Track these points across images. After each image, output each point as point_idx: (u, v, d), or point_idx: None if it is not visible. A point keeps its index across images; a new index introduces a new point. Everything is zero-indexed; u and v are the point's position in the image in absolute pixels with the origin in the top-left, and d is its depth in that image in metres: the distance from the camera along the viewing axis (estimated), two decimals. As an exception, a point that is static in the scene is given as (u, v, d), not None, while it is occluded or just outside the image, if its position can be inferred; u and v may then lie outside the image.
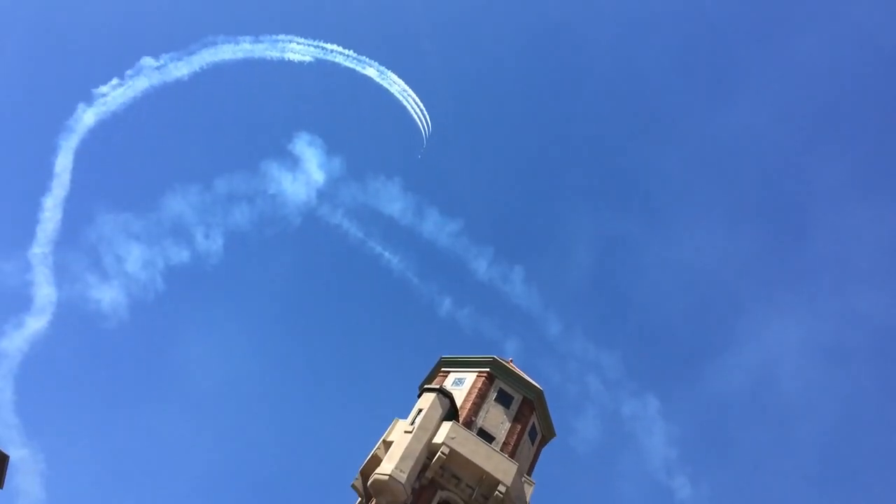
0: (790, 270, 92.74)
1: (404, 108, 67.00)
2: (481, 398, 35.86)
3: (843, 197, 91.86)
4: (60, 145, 66.29)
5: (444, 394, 34.14)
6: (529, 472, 36.39)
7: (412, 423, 32.84)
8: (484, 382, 36.49)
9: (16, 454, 58.09)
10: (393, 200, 71.87)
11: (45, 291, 65.32)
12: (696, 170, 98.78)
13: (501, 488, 31.59)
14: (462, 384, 36.84)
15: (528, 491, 33.92)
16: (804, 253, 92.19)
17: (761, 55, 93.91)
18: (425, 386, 35.48)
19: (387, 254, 71.98)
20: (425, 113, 67.18)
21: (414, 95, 67.02)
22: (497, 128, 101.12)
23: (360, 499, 34.16)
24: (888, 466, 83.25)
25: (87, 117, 66.60)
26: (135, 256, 71.00)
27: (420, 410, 33.48)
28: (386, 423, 34.21)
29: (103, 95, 65.03)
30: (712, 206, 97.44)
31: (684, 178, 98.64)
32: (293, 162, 72.48)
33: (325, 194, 73.61)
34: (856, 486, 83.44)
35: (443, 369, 38.67)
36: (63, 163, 66.23)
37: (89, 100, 65.25)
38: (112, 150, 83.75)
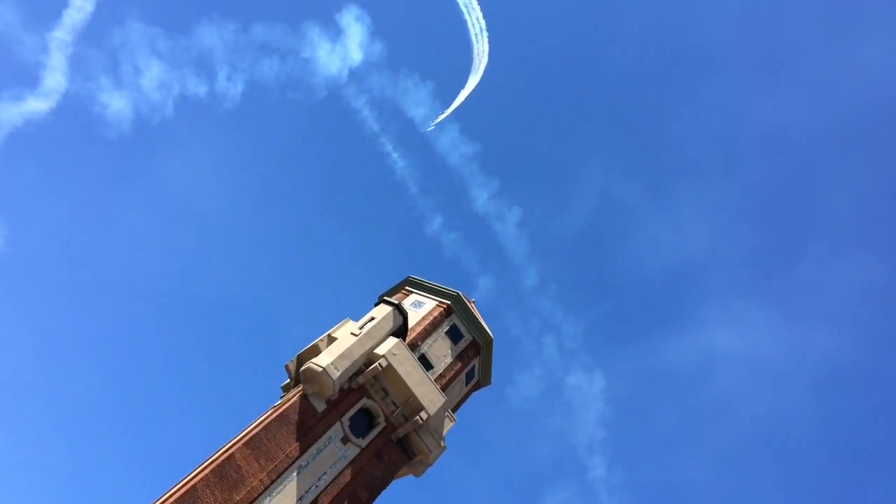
0: (765, 285, 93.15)
1: (464, 20, 63.98)
2: (433, 327, 36.23)
3: (843, 233, 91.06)
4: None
5: (400, 311, 34.42)
6: (455, 410, 37.24)
7: (360, 328, 33.20)
8: (441, 313, 36.80)
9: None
10: (419, 104, 70.17)
11: (55, 78, 63.98)
12: (716, 152, 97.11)
13: (423, 415, 32.31)
14: (420, 307, 37.15)
15: (448, 426, 34.76)
16: (786, 274, 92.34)
17: (824, 46, 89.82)
18: (385, 297, 35.73)
19: (395, 155, 70.75)
20: (484, 32, 63.63)
21: (478, 10, 63.86)
22: (538, 67, 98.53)
23: (288, 380, 34.84)
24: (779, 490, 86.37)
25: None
26: (153, 74, 69.50)
27: (372, 318, 33.81)
28: (336, 318, 34.58)
29: None
30: (719, 194, 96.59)
31: (702, 157, 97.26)
32: (336, 32, 70.27)
33: (356, 75, 71.79)
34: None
35: (406, 287, 38.91)
36: (106, -47, 63.65)
37: None
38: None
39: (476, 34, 63.56)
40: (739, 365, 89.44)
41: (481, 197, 72.95)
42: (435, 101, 69.92)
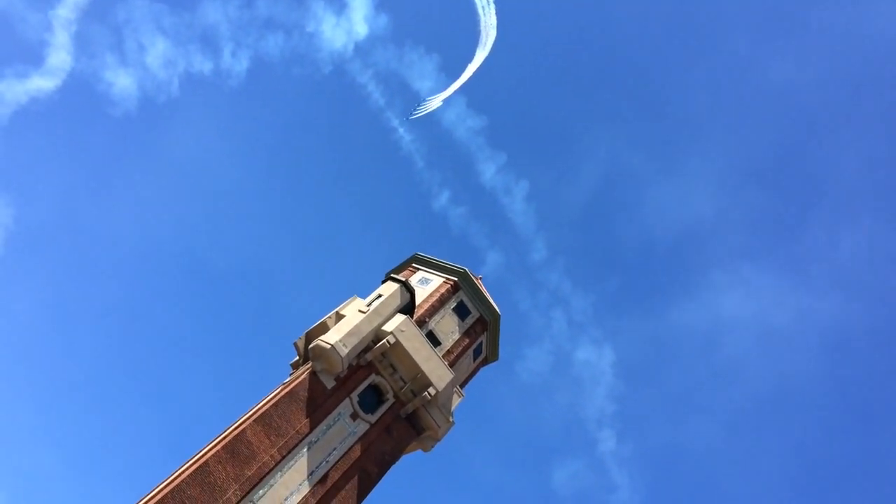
0: (773, 249, 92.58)
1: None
2: (440, 303, 36.40)
3: (852, 197, 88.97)
4: None
5: (407, 288, 34.56)
6: (462, 385, 37.52)
7: (368, 305, 33.40)
8: (448, 290, 36.93)
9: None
10: (424, 77, 69.34)
11: (60, 56, 63.71)
12: (721, 115, 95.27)
13: (431, 390, 32.58)
14: (427, 285, 37.28)
15: (456, 401, 35.07)
16: (794, 238, 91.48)
17: (832, 1, 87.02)
18: (392, 275, 35.83)
19: (401, 129, 70.18)
20: (491, 4, 61.90)
21: None
22: (543, 37, 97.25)
23: (297, 358, 35.16)
24: (789, 454, 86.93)
25: None
26: (158, 51, 69.21)
27: (380, 295, 33.97)
28: (344, 296, 34.81)
29: None
30: (725, 158, 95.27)
31: (707, 121, 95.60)
32: (340, 6, 69.49)
33: (361, 49, 71.13)
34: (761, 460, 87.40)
35: (413, 265, 39.03)
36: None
37: None
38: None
39: (483, 6, 62.30)
40: (748, 330, 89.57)
41: (489, 171, 72.55)
42: (441, 73, 69.07)
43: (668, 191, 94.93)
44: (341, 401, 31.10)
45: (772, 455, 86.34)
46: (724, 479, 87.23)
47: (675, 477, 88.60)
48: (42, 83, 64.62)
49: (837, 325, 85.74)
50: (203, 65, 71.55)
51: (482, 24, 62.85)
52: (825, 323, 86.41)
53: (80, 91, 77.89)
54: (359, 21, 69.73)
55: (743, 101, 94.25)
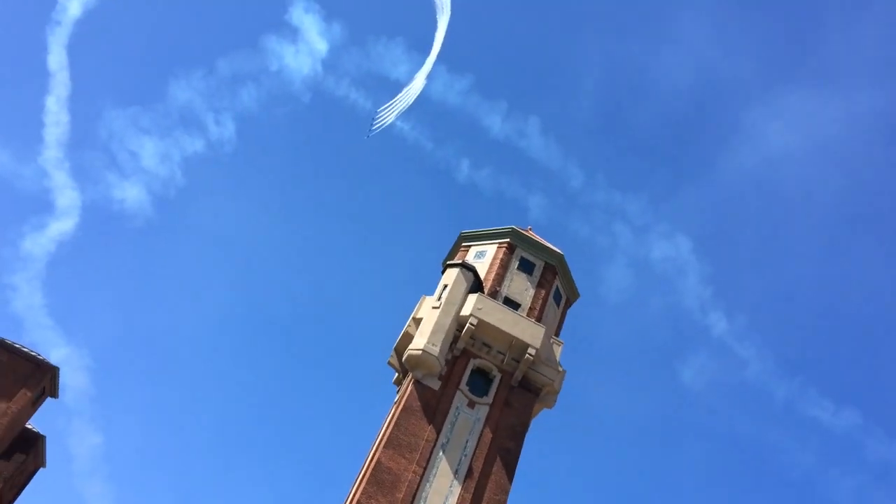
0: (796, 66, 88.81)
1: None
2: (504, 268, 36.51)
3: None
4: (49, 41, 63.92)
5: (467, 268, 34.75)
6: (557, 334, 37.61)
7: (439, 299, 33.70)
8: (505, 253, 37.03)
9: (58, 355, 60.21)
10: (397, 63, 68.10)
11: (67, 195, 65.66)
12: None
13: (531, 351, 32.80)
14: (483, 257, 37.42)
15: (557, 351, 35.21)
16: (813, 46, 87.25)
17: None
18: (448, 262, 36.06)
19: (398, 122, 69.65)
20: None
21: None
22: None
23: (397, 374, 35.80)
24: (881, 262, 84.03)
25: (73, 8, 63.74)
26: (149, 151, 70.57)
27: (445, 286, 34.24)
28: (413, 300, 35.16)
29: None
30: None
31: None
32: (292, 33, 69.11)
33: (329, 65, 70.93)
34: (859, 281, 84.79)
35: (463, 244, 39.16)
36: (57, 60, 64.23)
37: (69, -12, 62.39)
38: (105, 40, 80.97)
39: None
40: (803, 153, 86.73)
41: (495, 123, 71.36)
42: (412, 52, 67.72)
43: (672, 55, 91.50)
44: (453, 395, 31.60)
45: (876, 264, 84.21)
46: (840, 305, 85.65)
47: (797, 322, 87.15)
48: (61, 226, 66.65)
49: (890, 110, 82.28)
50: (194, 145, 72.64)
51: None
52: (877, 111, 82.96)
53: (98, 219, 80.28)
54: (315, 39, 69.39)
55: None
